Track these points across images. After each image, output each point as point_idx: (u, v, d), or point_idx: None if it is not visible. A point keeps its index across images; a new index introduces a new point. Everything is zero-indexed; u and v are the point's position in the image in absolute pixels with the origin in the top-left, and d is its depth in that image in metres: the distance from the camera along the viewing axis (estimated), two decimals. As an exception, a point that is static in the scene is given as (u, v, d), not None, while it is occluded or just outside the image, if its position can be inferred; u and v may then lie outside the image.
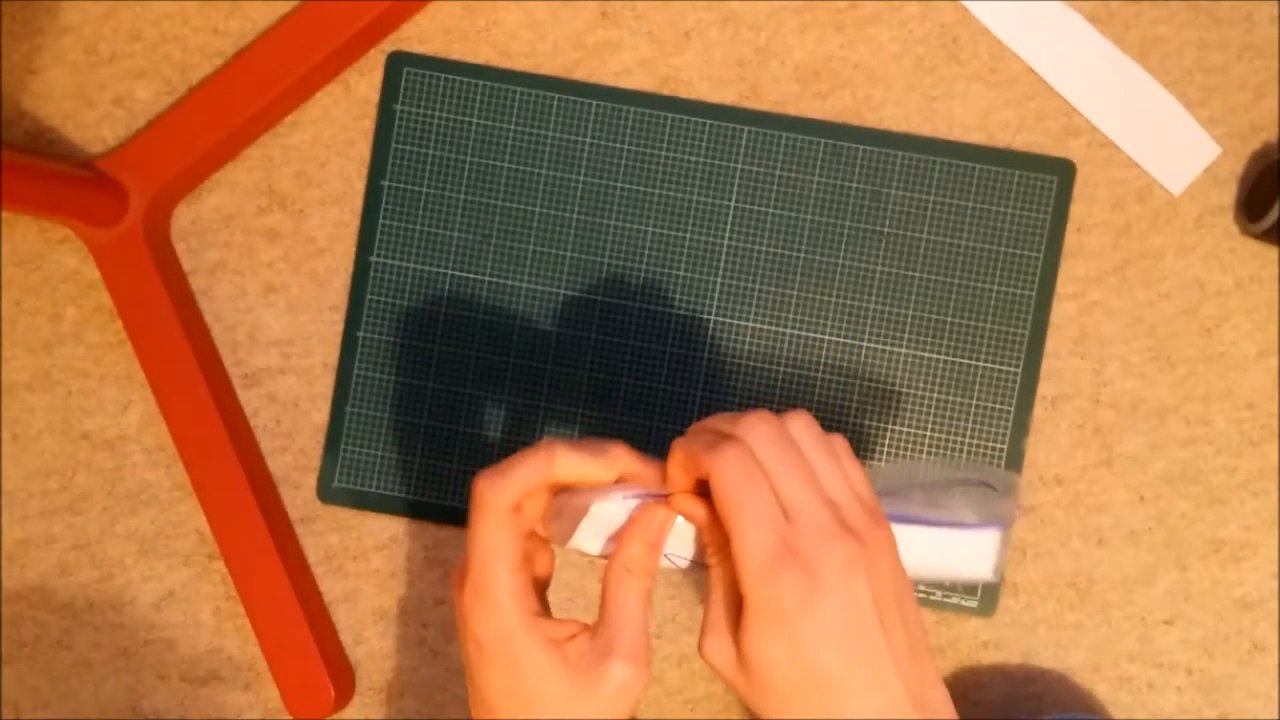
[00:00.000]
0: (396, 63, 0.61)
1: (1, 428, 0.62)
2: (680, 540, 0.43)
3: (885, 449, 0.60)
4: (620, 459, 0.42)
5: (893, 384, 0.60)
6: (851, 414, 0.60)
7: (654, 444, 0.60)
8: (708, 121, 0.60)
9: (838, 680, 0.37)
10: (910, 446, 0.60)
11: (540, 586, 0.44)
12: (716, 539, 0.40)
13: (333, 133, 0.61)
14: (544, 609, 0.43)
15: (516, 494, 0.40)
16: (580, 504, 0.41)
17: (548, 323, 0.60)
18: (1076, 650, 0.60)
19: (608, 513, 0.41)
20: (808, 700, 0.38)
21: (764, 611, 0.37)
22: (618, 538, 0.41)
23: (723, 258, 0.60)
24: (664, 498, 0.42)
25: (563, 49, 0.61)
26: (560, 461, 0.40)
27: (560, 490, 0.42)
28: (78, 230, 0.59)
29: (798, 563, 0.37)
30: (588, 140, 0.60)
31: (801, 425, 0.40)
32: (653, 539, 0.41)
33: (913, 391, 0.60)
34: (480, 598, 0.40)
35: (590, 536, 0.42)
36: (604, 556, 0.43)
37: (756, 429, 0.39)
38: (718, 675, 0.40)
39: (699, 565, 0.44)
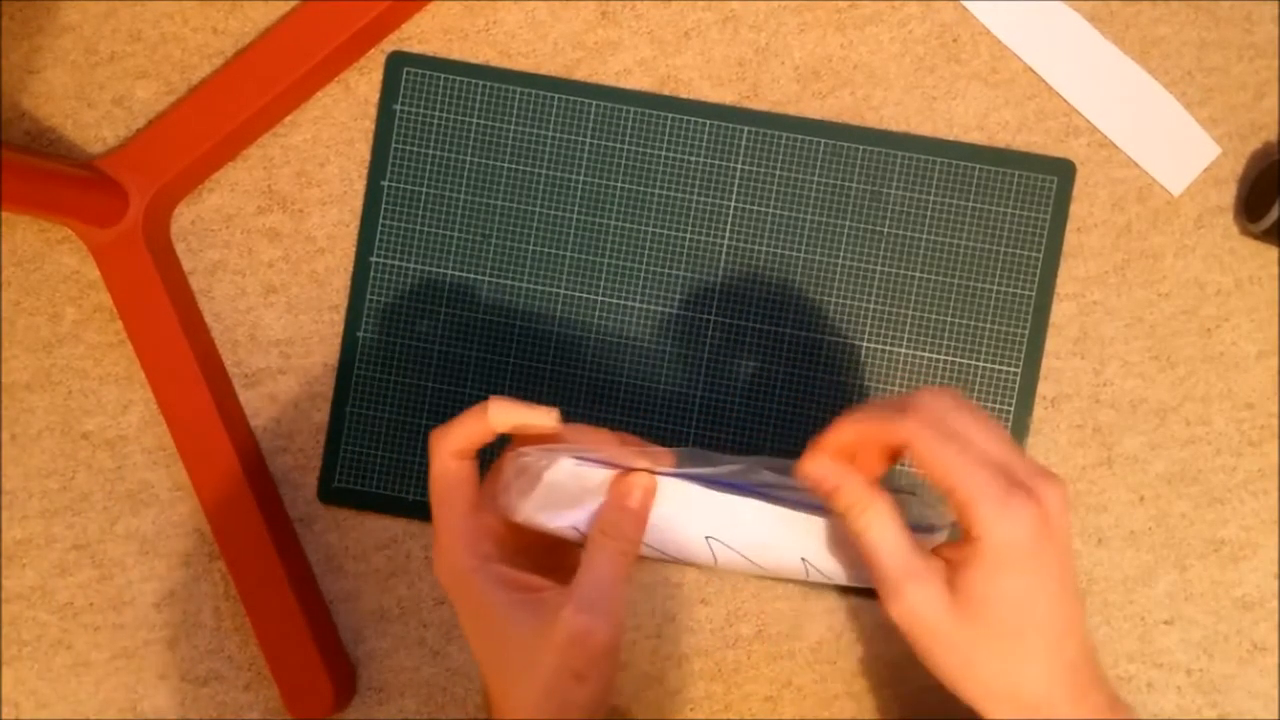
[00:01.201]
0: (396, 63, 0.61)
1: (1, 428, 0.62)
2: (818, 546, 0.44)
3: (885, 449, 0.60)
4: (555, 413, 0.43)
5: (893, 384, 0.60)
6: (851, 414, 0.60)
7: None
8: (708, 121, 0.60)
9: (1054, 619, 0.39)
10: (910, 446, 0.60)
11: (526, 548, 0.45)
12: (860, 500, 0.41)
13: (333, 133, 0.61)
14: (520, 561, 0.43)
15: (458, 440, 0.43)
16: (534, 466, 0.43)
17: (548, 323, 0.60)
18: (1076, 650, 0.60)
19: (560, 478, 0.43)
20: (1022, 639, 0.39)
21: (1002, 547, 0.38)
22: (601, 507, 0.43)
23: (723, 258, 0.60)
24: (619, 468, 0.43)
25: (563, 49, 0.61)
26: (495, 407, 0.43)
27: (516, 449, 0.44)
28: (78, 230, 0.59)
29: (1031, 497, 0.38)
30: (588, 140, 0.60)
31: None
32: (633, 505, 0.42)
33: (913, 391, 0.60)
34: (436, 541, 0.43)
35: (541, 507, 0.43)
36: (559, 532, 0.44)
37: (941, 398, 0.41)
38: (911, 631, 0.40)
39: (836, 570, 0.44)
